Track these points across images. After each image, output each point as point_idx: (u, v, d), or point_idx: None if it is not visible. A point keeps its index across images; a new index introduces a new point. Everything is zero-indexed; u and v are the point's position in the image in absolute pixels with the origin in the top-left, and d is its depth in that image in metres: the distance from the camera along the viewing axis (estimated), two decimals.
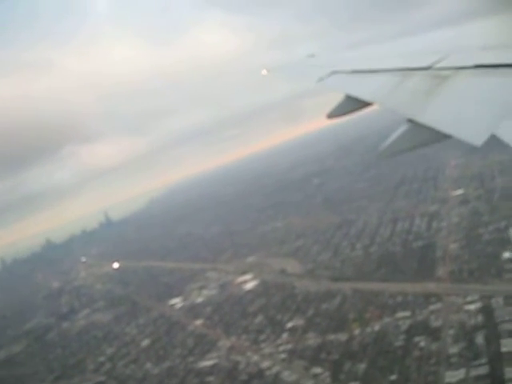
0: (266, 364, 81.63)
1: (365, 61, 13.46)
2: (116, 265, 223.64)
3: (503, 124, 4.46)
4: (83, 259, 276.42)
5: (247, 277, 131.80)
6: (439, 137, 6.13)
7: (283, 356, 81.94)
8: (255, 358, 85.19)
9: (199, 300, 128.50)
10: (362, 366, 70.36)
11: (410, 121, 6.76)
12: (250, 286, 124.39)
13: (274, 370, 78.77)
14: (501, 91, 5.29)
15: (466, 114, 5.74)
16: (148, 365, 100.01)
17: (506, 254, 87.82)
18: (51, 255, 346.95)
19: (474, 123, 5.20)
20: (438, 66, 7.61)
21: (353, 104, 10.85)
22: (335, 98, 11.97)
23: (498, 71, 5.77)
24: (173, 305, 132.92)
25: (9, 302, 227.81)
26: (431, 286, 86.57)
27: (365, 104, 10.15)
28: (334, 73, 13.24)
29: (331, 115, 11.97)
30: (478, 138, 4.71)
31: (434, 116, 6.35)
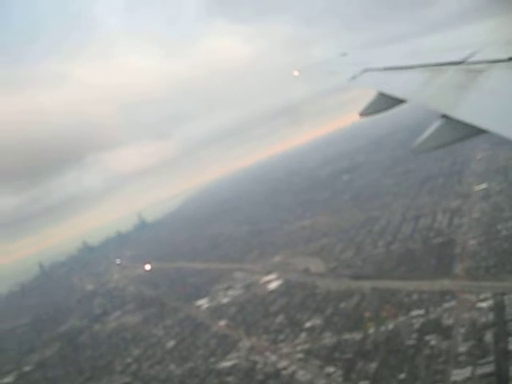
0: (282, 364, 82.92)
1: (396, 58, 13.51)
2: (148, 266, 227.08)
3: None
4: (118, 261, 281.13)
5: (271, 276, 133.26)
6: (474, 132, 6.20)
7: (300, 356, 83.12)
8: (273, 357, 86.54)
9: (225, 300, 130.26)
10: (373, 365, 71.23)
11: (445, 116, 6.85)
12: (273, 285, 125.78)
13: (290, 369, 79.97)
14: None
15: (501, 107, 5.66)
16: (172, 366, 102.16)
17: None
18: (87, 258, 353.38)
19: (510, 117, 5.16)
20: (471, 60, 7.58)
21: (385, 101, 10.98)
22: (365, 94, 12.23)
23: None
24: (199, 306, 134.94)
25: (45, 305, 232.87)
26: (447, 284, 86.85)
27: (398, 101, 10.25)
28: (366, 70, 13.36)
29: (364, 113, 11.97)
30: None
31: (469, 111, 6.32)
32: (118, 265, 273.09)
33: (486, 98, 6.26)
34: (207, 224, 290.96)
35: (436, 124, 6.98)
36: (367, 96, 12.02)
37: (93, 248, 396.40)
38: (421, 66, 9.79)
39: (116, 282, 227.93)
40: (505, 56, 6.56)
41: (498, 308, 72.66)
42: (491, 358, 61.85)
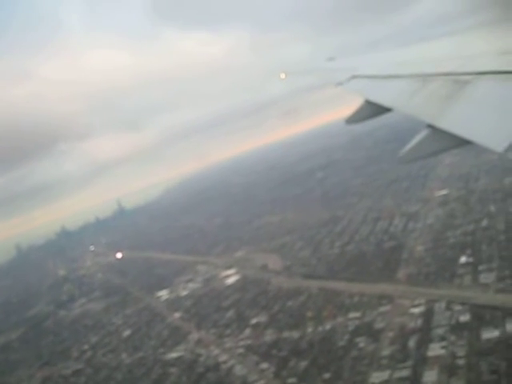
0: (223, 358, 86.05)
1: (384, 66, 13.52)
2: (119, 255, 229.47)
3: None
4: (92, 248, 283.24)
5: (231, 271, 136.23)
6: (459, 142, 6.19)
7: (241, 351, 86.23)
8: (216, 351, 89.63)
9: (183, 293, 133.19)
10: (303, 364, 74.42)
11: (430, 126, 6.85)
12: (231, 280, 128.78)
13: (229, 364, 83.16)
14: None
15: (486, 119, 5.68)
16: (124, 355, 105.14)
17: (463, 259, 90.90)
18: (65, 243, 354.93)
19: (495, 129, 5.19)
20: (459, 71, 7.61)
21: (372, 109, 11.00)
22: (348, 93, 12.70)
23: None
24: (159, 297, 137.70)
25: (17, 288, 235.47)
26: (388, 288, 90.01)
27: (384, 109, 10.26)
28: (354, 77, 13.47)
29: (350, 120, 12.03)
30: (498, 144, 4.72)
31: (455, 121, 6.34)
32: (92, 251, 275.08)
33: (472, 109, 6.36)
34: (183, 214, 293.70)
35: (422, 134, 7.03)
36: (350, 96, 12.52)
37: (71, 233, 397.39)
38: (408, 75, 9.89)
39: (87, 269, 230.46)
40: (491, 68, 6.67)
41: (428, 314, 75.85)
42: (409, 363, 65.05)
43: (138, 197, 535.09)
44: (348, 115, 12.13)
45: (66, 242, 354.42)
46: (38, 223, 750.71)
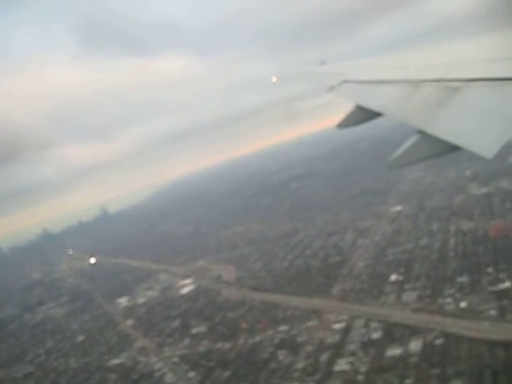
0: (158, 366, 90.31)
1: (375, 71, 13.74)
2: (93, 260, 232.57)
3: None
4: (70, 252, 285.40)
5: (188, 281, 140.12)
6: (449, 148, 6.22)
7: (175, 360, 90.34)
8: (154, 359, 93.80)
9: (141, 301, 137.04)
10: (226, 374, 78.66)
11: (421, 132, 6.90)
12: (186, 290, 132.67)
13: (162, 372, 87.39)
14: (510, 103, 5.37)
15: (476, 125, 5.71)
16: (72, 359, 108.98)
17: (394, 277, 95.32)
18: (46, 245, 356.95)
19: (485, 135, 5.25)
20: (449, 77, 7.66)
21: (363, 114, 11.06)
22: (337, 101, 13.09)
23: (509, 83, 5.80)
24: (119, 304, 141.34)
25: None
26: (320, 303, 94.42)
27: (375, 114, 10.28)
28: (345, 82, 13.47)
29: (341, 125, 12.13)
30: (488, 150, 4.78)
31: (445, 127, 6.40)
32: (70, 255, 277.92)
33: (462, 116, 6.38)
34: (160, 220, 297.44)
35: (412, 139, 7.07)
36: (339, 103, 13.12)
37: (53, 235, 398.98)
38: (399, 80, 9.93)
39: (61, 273, 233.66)
40: (481, 75, 6.71)
41: (346, 330, 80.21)
42: (317, 377, 69.59)
43: (123, 201, 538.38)
44: (340, 120, 12.26)
45: (47, 245, 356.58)
46: (21, 225, 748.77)
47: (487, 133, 5.27)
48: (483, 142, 5.15)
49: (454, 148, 6.06)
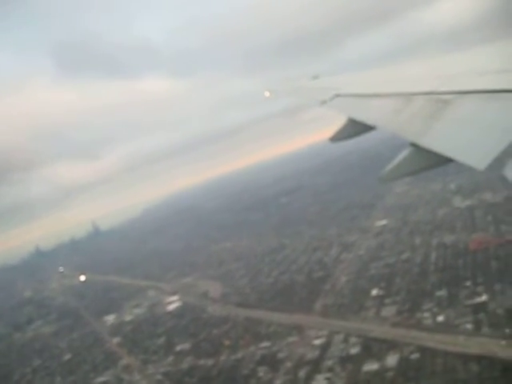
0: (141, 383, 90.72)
1: (367, 85, 13.74)
2: (83, 277, 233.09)
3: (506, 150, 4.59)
4: (61, 269, 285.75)
5: (174, 298, 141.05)
6: (442, 161, 6.30)
7: (159, 377, 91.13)
8: (137, 377, 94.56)
9: (128, 318, 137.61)
10: None
11: (413, 145, 6.93)
12: (172, 307, 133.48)
13: None
14: (502, 116, 5.38)
15: (468, 138, 5.74)
16: (58, 378, 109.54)
17: (375, 291, 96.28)
18: (38, 263, 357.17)
19: (476, 147, 5.29)
20: (440, 90, 7.67)
21: (356, 127, 11.13)
22: (328, 115, 13.27)
23: (499, 96, 5.81)
24: (106, 321, 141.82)
25: None
26: (302, 319, 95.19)
27: (368, 127, 10.33)
28: (337, 96, 13.52)
29: (334, 138, 12.22)
30: (480, 163, 4.80)
31: (437, 140, 6.40)
32: (61, 273, 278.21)
33: (453, 128, 6.40)
34: (151, 237, 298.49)
35: (404, 152, 7.12)
36: (331, 116, 13.09)
37: (45, 253, 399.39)
38: (391, 94, 9.96)
39: (51, 291, 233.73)
40: (472, 87, 6.73)
41: (326, 346, 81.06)
42: None
43: (115, 218, 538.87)
44: (332, 133, 12.37)
45: (39, 262, 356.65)
46: (14, 244, 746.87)
47: (479, 145, 5.31)
48: (475, 154, 5.17)
49: (446, 160, 6.14)
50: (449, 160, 5.99)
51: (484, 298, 78.25)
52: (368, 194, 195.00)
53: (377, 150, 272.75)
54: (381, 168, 7.53)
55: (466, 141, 5.72)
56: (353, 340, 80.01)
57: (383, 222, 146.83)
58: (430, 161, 6.68)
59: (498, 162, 4.51)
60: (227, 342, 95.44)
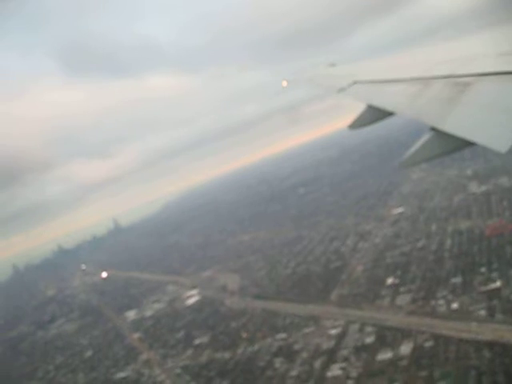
0: (161, 378, 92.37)
1: (385, 71, 13.59)
2: (104, 274, 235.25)
3: None
4: (83, 267, 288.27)
5: (193, 292, 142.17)
6: (463, 144, 6.25)
7: (178, 371, 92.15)
8: (157, 371, 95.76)
9: (148, 313, 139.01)
10: (224, 383, 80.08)
11: (433, 129, 6.90)
12: (191, 301, 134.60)
13: (165, 383, 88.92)
14: None
15: (488, 120, 5.70)
16: (80, 374, 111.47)
17: (390, 280, 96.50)
18: (61, 261, 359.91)
19: (498, 130, 5.23)
20: (459, 73, 7.63)
21: (375, 114, 11.06)
22: (343, 104, 14.85)
23: None
24: (127, 317, 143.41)
25: (6, 309, 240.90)
26: (318, 309, 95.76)
27: (387, 113, 10.25)
28: (355, 83, 13.43)
29: (353, 126, 12.10)
30: (502, 145, 4.77)
31: (457, 124, 6.35)
32: (83, 270, 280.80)
33: (474, 111, 6.33)
34: (170, 232, 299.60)
35: (425, 137, 7.08)
36: (349, 105, 13.03)
37: (67, 251, 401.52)
38: (409, 79, 9.83)
39: (73, 289, 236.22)
40: (491, 69, 6.64)
41: (341, 336, 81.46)
42: (311, 383, 70.74)
43: (135, 214, 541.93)
44: (351, 121, 12.19)
45: (62, 261, 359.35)
46: (36, 243, 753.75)
47: (500, 128, 5.23)
48: (496, 137, 5.11)
49: (467, 144, 6.12)
50: (470, 144, 5.99)
51: (498, 284, 78.06)
52: (385, 182, 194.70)
53: (394, 138, 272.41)
54: (398, 155, 7.80)
55: (487, 124, 5.65)
56: (368, 329, 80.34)
57: (400, 210, 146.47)
58: (450, 145, 6.65)
59: None
60: (244, 335, 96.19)
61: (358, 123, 11.84)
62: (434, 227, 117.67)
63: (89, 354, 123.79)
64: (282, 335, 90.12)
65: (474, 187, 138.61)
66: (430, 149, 6.94)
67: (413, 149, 7.11)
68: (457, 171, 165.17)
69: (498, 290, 76.48)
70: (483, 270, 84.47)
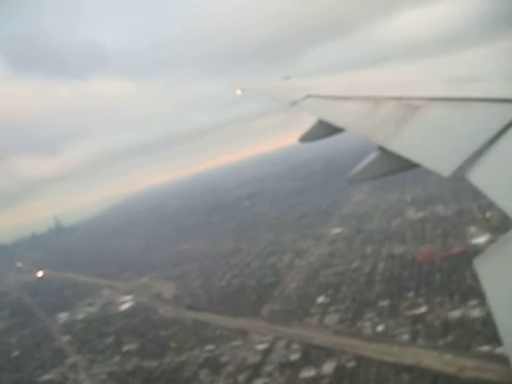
0: (86, 382, 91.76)
1: (338, 87, 13.70)
2: (40, 273, 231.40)
3: (470, 158, 4.62)
4: (19, 264, 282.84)
5: (128, 297, 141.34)
6: (408, 165, 6.34)
7: (103, 377, 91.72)
8: (82, 376, 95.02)
9: (80, 316, 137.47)
10: None
11: (381, 148, 7.01)
12: (125, 306, 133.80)
13: None
14: (469, 124, 5.43)
15: (434, 144, 5.73)
16: (4, 375, 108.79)
17: (321, 299, 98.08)
18: None
19: (443, 154, 5.30)
20: (410, 95, 7.71)
21: (325, 129, 11.09)
22: (295, 119, 15.42)
23: (466, 104, 5.87)
24: (58, 319, 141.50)
25: None
26: (249, 323, 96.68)
27: (337, 129, 10.29)
28: (308, 97, 13.50)
29: (303, 139, 12.18)
30: (446, 169, 4.83)
31: (405, 144, 6.42)
32: (19, 268, 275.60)
33: (421, 134, 6.39)
34: (113, 234, 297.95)
35: (372, 155, 7.21)
36: (304, 119, 12.77)
37: (4, 247, 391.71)
38: (361, 97, 9.95)
39: (6, 286, 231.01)
40: (441, 94, 6.78)
41: (268, 351, 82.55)
42: None
43: (79, 215, 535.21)
44: (302, 134, 12.28)
45: None
46: None
47: (445, 152, 5.32)
48: (441, 161, 5.17)
49: (412, 165, 6.19)
50: (415, 165, 6.06)
51: (423, 309, 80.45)
52: (327, 201, 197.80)
53: (342, 158, 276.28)
54: (343, 176, 7.94)
55: (433, 148, 5.71)
56: (294, 346, 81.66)
57: (338, 230, 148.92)
58: (396, 165, 6.79)
59: (463, 170, 4.60)
60: (173, 344, 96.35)
61: (309, 137, 12.04)
62: (369, 249, 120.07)
63: (16, 353, 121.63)
64: (210, 347, 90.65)
65: (412, 213, 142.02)
66: (376, 167, 7.16)
67: (360, 166, 7.34)
68: (397, 196, 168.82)
69: (422, 315, 78.85)
70: (411, 294, 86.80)
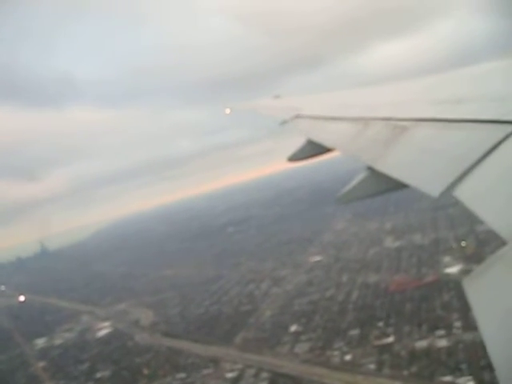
0: None
1: (327, 107, 13.80)
2: (22, 298, 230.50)
3: (458, 178, 4.62)
4: (2, 288, 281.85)
5: (106, 324, 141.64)
6: (397, 186, 6.45)
7: None
8: None
9: (57, 342, 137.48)
10: None
11: (370, 168, 7.07)
12: (102, 333, 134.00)
13: None
14: (456, 145, 5.42)
15: (423, 165, 5.76)
16: None
17: (293, 327, 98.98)
18: None
19: (431, 175, 5.32)
20: (398, 116, 7.77)
21: (314, 149, 11.20)
22: (293, 141, 12.99)
23: (454, 125, 5.91)
24: (36, 344, 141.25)
25: None
26: (221, 351, 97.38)
27: (325, 149, 10.41)
28: (298, 117, 13.59)
29: (292, 158, 12.32)
30: (434, 189, 4.81)
31: (393, 165, 6.46)
32: (2, 291, 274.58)
33: (409, 155, 6.41)
34: (96, 260, 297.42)
35: (361, 175, 7.26)
36: (295, 142, 12.74)
37: None
38: (350, 118, 10.02)
39: None
40: (428, 115, 6.81)
41: (237, 380, 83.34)
42: None
43: (64, 239, 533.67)
44: (291, 153, 12.41)
45: None
46: None
47: (433, 173, 5.31)
48: (429, 182, 5.17)
49: (401, 185, 6.22)
50: (403, 186, 6.10)
51: (391, 339, 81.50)
52: (310, 229, 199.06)
53: (328, 185, 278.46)
54: (328, 202, 8.62)
55: (421, 168, 5.74)
56: (263, 375, 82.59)
57: (317, 258, 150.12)
58: (385, 185, 6.89)
59: (451, 190, 4.60)
60: (146, 371, 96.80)
61: (297, 156, 12.17)
62: (345, 278, 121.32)
63: None
64: (182, 375, 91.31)
65: (390, 242, 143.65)
66: (365, 187, 7.21)
67: (349, 186, 7.40)
68: (377, 224, 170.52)
69: (390, 344, 79.90)
70: (380, 324, 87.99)
